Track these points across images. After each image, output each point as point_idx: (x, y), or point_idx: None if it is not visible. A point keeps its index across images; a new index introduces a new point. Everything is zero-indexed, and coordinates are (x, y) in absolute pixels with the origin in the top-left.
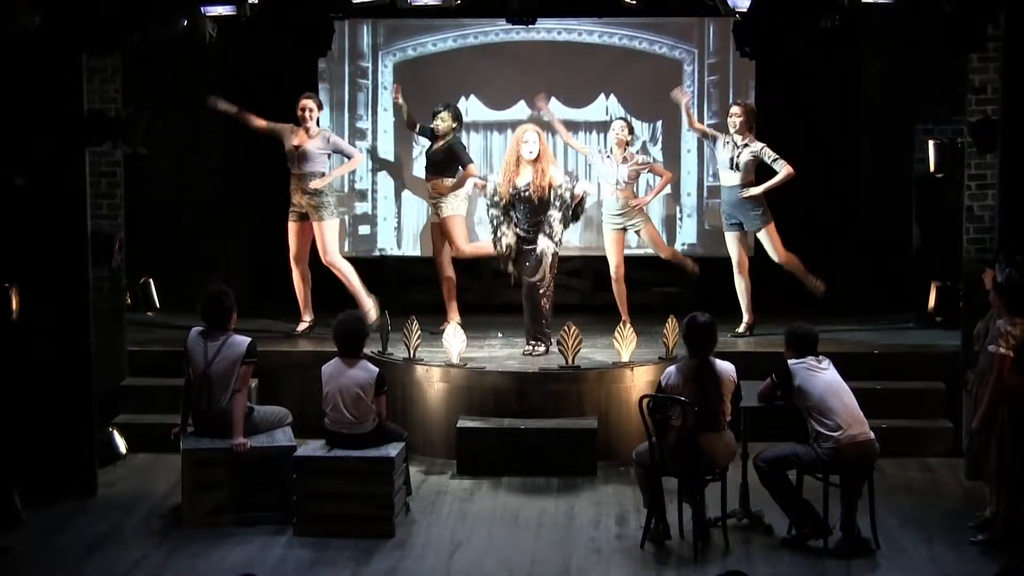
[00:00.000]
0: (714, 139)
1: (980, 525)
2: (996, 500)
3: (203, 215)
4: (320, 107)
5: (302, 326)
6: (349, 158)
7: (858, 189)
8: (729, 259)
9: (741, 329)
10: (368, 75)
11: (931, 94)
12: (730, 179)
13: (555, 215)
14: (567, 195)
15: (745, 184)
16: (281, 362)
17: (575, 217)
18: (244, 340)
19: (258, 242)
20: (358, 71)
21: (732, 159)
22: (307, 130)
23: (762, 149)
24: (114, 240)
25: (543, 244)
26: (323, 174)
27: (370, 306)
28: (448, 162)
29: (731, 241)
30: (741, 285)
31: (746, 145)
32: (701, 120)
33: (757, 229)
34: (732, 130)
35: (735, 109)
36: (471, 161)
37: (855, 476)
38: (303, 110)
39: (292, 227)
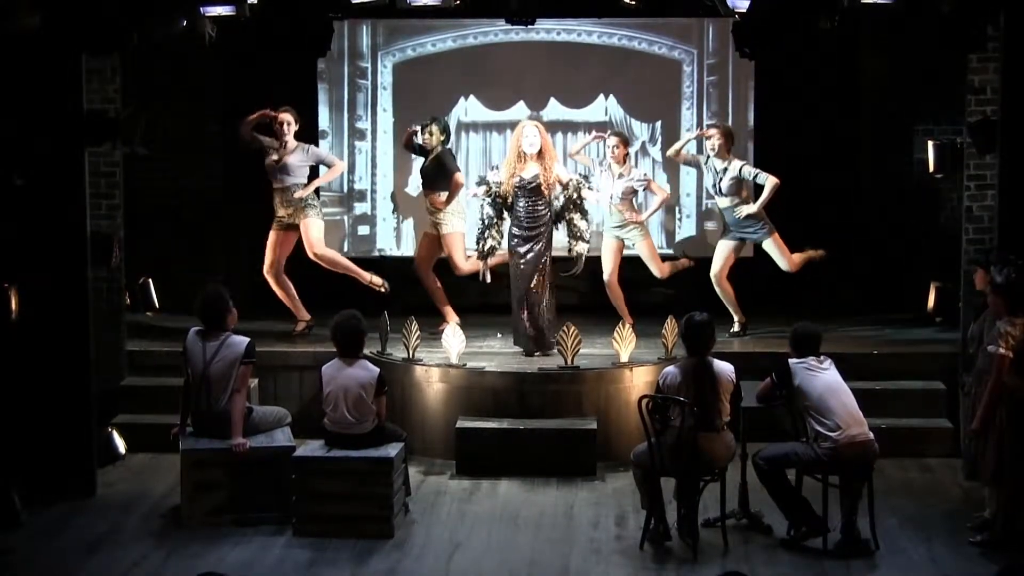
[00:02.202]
0: (696, 165)
1: (979, 526)
2: (995, 501)
3: (202, 215)
4: (297, 121)
5: (300, 326)
6: (331, 167)
7: (858, 189)
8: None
9: (737, 329)
10: (367, 75)
11: (930, 95)
12: (723, 201)
13: (576, 216)
14: (575, 195)
15: (741, 202)
16: (280, 362)
17: (585, 215)
18: (243, 340)
19: (257, 242)
20: (357, 71)
21: (715, 184)
22: (284, 144)
23: (741, 168)
24: (113, 240)
25: (580, 247)
26: (300, 185)
27: (370, 278)
28: (440, 175)
29: (724, 247)
30: (722, 292)
31: (725, 169)
32: (700, 124)
33: (762, 240)
34: (712, 153)
35: (712, 131)
36: (457, 170)
37: (854, 476)
38: (281, 124)
39: (273, 236)
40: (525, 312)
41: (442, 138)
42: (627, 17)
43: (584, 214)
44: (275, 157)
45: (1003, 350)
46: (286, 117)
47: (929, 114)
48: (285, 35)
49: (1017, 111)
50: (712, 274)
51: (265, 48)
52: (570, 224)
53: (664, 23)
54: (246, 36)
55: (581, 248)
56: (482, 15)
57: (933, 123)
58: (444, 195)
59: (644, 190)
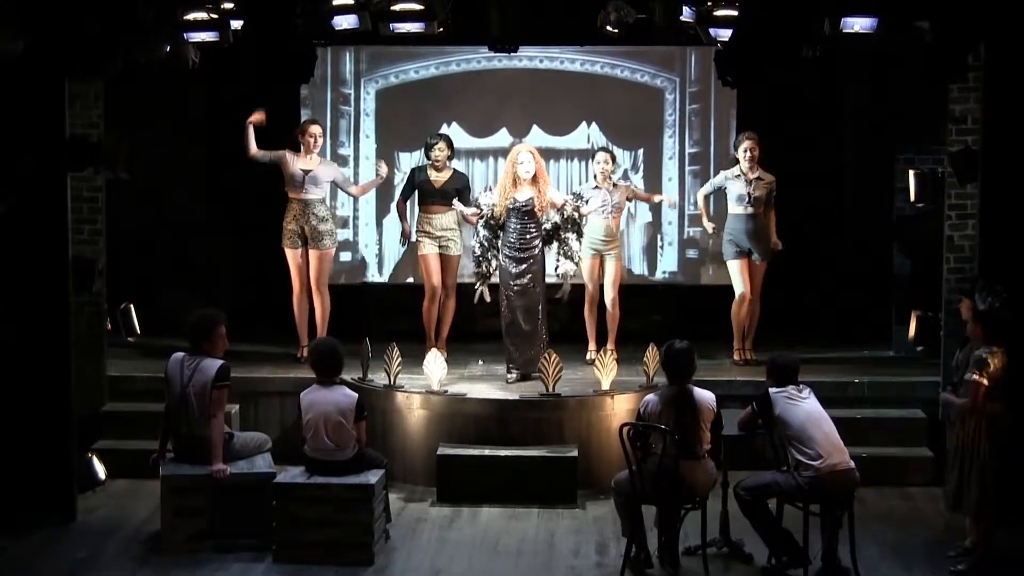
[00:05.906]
0: (720, 186)
1: (960, 554)
2: (976, 530)
3: (185, 241)
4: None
5: (306, 351)
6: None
7: (839, 218)
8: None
9: (748, 356)
10: (350, 102)
11: (912, 124)
12: (748, 209)
13: (571, 236)
14: (576, 215)
15: (766, 214)
16: (260, 388)
17: (580, 236)
18: (215, 363)
19: (239, 268)
20: (340, 98)
21: (749, 194)
22: (312, 156)
23: (773, 183)
24: (95, 265)
25: (566, 266)
26: (323, 199)
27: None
28: (463, 188)
29: (741, 268)
30: (756, 312)
31: (759, 179)
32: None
33: (763, 261)
34: (746, 165)
35: (748, 143)
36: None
37: (835, 505)
38: (312, 136)
39: (295, 253)
40: (517, 334)
41: (449, 153)
42: (609, 45)
43: (580, 234)
44: (304, 166)
45: (978, 377)
46: (316, 130)
47: (910, 144)
48: (268, 61)
49: (998, 141)
50: (745, 296)
51: (248, 74)
52: (564, 243)
53: (646, 51)
54: (229, 62)
55: (567, 267)
56: (465, 42)
57: (914, 153)
58: (456, 207)
59: (633, 198)
